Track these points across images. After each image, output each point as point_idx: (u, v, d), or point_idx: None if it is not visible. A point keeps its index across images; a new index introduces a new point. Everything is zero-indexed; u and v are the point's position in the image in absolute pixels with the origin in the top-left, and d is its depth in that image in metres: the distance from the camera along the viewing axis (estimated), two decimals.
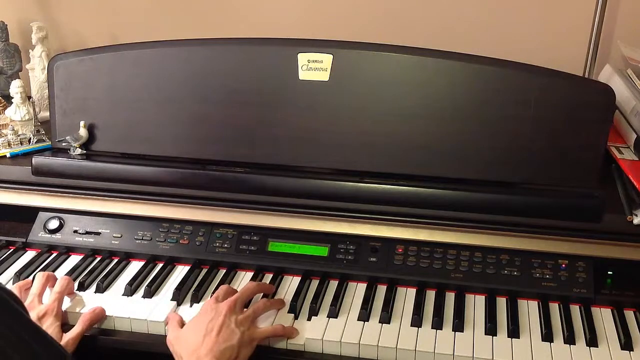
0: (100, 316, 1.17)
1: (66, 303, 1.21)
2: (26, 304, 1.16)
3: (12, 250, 1.38)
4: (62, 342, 1.11)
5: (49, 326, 1.12)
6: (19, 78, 1.69)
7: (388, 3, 1.72)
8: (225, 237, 1.32)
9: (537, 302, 1.21)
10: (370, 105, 1.27)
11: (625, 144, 1.40)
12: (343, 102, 1.27)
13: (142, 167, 1.33)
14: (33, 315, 1.12)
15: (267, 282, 1.26)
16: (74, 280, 1.27)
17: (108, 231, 1.36)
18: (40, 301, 1.18)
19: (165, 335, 1.13)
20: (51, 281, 1.22)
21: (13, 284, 1.26)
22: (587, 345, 1.11)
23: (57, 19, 1.90)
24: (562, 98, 1.21)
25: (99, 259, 1.34)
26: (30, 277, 1.27)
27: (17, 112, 1.51)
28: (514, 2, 1.66)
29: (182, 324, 1.13)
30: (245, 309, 1.14)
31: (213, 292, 1.18)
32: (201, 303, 1.21)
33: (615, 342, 1.12)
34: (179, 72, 1.32)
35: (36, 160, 1.37)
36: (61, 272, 1.30)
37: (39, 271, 1.27)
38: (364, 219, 1.27)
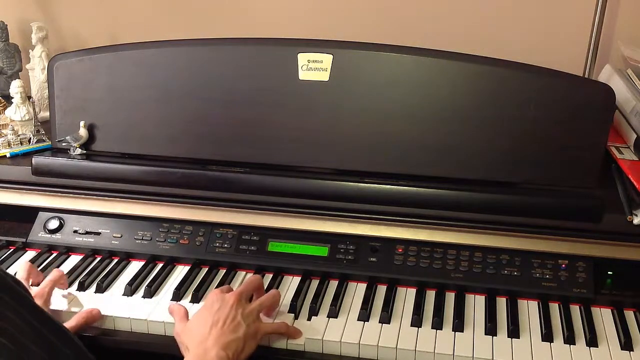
0: (96, 317, 1.17)
1: (65, 303, 1.21)
2: None
3: (12, 250, 1.38)
4: None
5: None
6: (19, 78, 1.69)
7: (388, 3, 1.72)
8: (225, 237, 1.32)
9: (537, 302, 1.21)
10: (370, 106, 1.27)
11: (625, 144, 1.40)
12: (343, 102, 1.27)
13: (142, 167, 1.33)
14: None
15: (267, 282, 1.26)
16: (74, 280, 1.27)
17: (108, 231, 1.36)
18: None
19: (166, 335, 1.14)
20: (33, 274, 1.22)
21: None
22: (587, 345, 1.11)
23: (57, 19, 1.90)
24: (562, 98, 1.21)
25: (99, 259, 1.34)
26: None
27: (17, 112, 1.51)
28: (514, 2, 1.66)
29: (187, 315, 1.13)
30: (250, 302, 1.13)
31: None
32: (201, 303, 1.21)
33: (615, 342, 1.12)
34: (178, 72, 1.32)
35: (36, 160, 1.37)
36: None
37: (39, 271, 1.26)
38: (364, 219, 1.27)
